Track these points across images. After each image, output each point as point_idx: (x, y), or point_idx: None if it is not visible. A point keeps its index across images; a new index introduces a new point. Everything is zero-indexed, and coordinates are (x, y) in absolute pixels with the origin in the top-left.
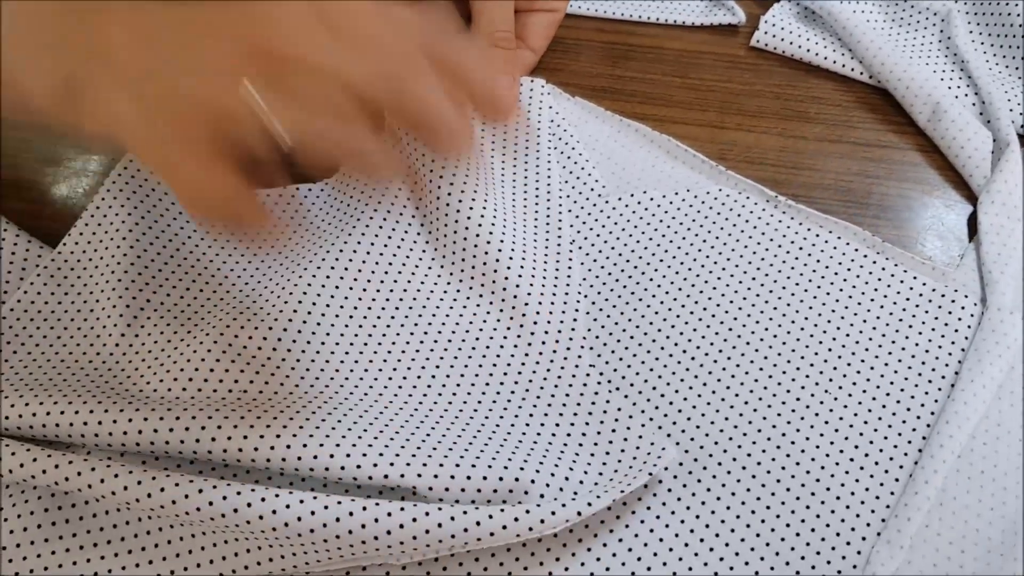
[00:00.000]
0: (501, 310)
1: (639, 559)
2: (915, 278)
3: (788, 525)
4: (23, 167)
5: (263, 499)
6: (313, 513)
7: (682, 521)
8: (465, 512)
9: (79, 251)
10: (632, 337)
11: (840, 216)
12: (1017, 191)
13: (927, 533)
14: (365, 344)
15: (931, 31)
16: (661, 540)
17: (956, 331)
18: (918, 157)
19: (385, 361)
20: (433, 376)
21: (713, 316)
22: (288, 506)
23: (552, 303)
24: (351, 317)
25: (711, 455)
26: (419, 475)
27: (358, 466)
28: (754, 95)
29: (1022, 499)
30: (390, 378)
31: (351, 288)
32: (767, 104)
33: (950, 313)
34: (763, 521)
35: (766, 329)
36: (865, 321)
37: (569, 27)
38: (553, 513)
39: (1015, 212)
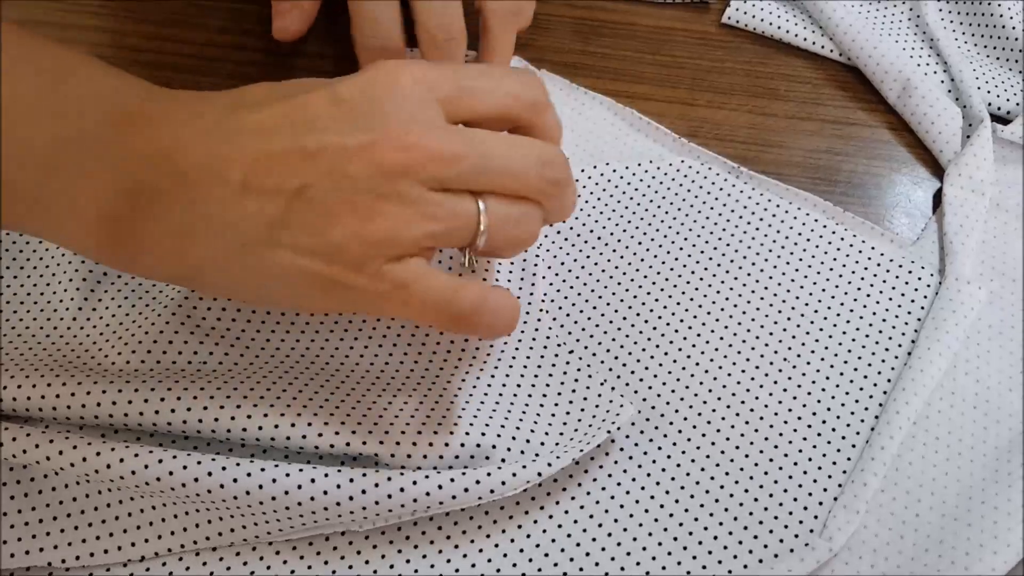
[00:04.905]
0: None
1: (600, 525)
2: (873, 248)
3: (746, 491)
4: None
5: (224, 468)
6: (275, 481)
7: (642, 488)
8: (427, 476)
9: None
10: (595, 306)
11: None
12: (985, 165)
13: (883, 498)
14: (325, 314)
15: (901, 8)
16: (622, 507)
17: (913, 301)
18: (887, 135)
19: (346, 331)
20: (395, 344)
21: (675, 287)
22: (249, 474)
23: (510, 270)
24: None
25: (671, 423)
26: (381, 442)
27: (320, 435)
28: (725, 72)
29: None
30: (351, 347)
31: None
32: (737, 81)
33: (907, 283)
34: (722, 487)
35: (726, 299)
36: (824, 290)
37: (540, 2)
38: (514, 475)
39: (980, 186)
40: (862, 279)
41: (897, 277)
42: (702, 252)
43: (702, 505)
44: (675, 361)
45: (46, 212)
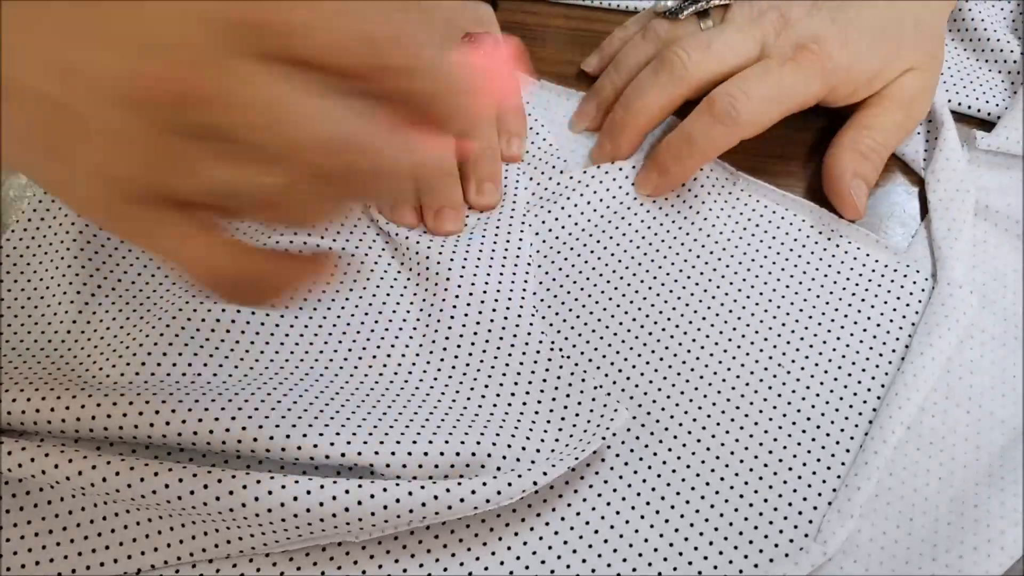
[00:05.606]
0: (447, 279)
1: (596, 532)
2: (868, 254)
3: (741, 495)
4: None
5: (219, 480)
6: (270, 492)
7: (638, 494)
8: (423, 487)
9: (28, 237)
10: (589, 310)
11: None
12: (959, 166)
13: (877, 503)
14: (320, 326)
15: None
16: (618, 513)
17: (907, 305)
18: None
19: (340, 342)
20: (388, 355)
21: (671, 291)
22: (245, 486)
23: (501, 274)
24: (304, 300)
25: (667, 428)
26: (376, 452)
27: (315, 445)
28: None
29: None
30: (345, 358)
31: None
32: None
33: (902, 287)
34: (717, 492)
35: (722, 304)
36: (819, 296)
37: (535, 13)
38: (510, 484)
39: (962, 185)
40: (856, 284)
41: (892, 282)
42: (697, 256)
43: (697, 510)
44: (670, 366)
45: None
